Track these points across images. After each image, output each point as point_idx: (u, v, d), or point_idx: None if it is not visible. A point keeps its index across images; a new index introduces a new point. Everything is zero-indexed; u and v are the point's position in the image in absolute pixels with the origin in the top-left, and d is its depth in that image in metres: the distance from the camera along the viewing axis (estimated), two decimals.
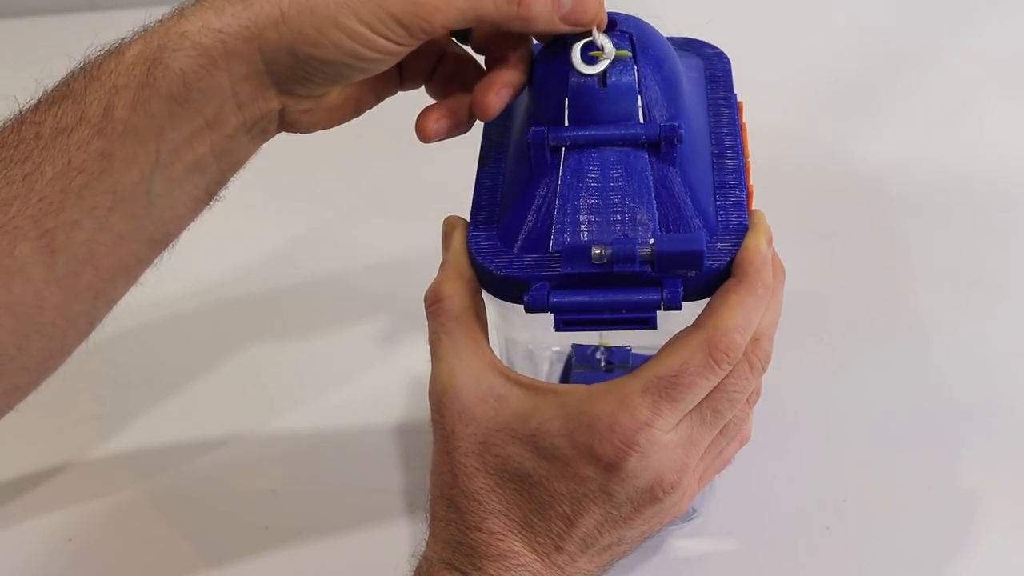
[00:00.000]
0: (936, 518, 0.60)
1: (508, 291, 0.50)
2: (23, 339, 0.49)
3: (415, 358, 0.68)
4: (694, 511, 0.60)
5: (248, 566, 0.62)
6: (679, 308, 0.48)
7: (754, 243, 0.49)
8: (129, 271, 0.51)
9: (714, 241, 0.50)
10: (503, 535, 0.49)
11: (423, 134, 0.52)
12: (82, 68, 0.49)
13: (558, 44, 0.51)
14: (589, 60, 0.50)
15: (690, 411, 0.49)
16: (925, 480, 0.62)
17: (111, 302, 0.52)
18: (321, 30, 0.46)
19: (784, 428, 0.64)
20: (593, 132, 0.50)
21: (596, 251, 0.48)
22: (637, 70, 0.50)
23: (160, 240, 0.51)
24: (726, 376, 0.49)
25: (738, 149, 0.53)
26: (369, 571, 0.57)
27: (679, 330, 0.49)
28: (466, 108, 0.52)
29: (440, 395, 0.51)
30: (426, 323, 0.52)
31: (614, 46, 0.49)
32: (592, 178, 0.49)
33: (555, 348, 0.67)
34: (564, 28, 0.49)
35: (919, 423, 0.64)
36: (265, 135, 0.51)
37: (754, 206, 0.52)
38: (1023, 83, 0.87)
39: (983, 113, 0.83)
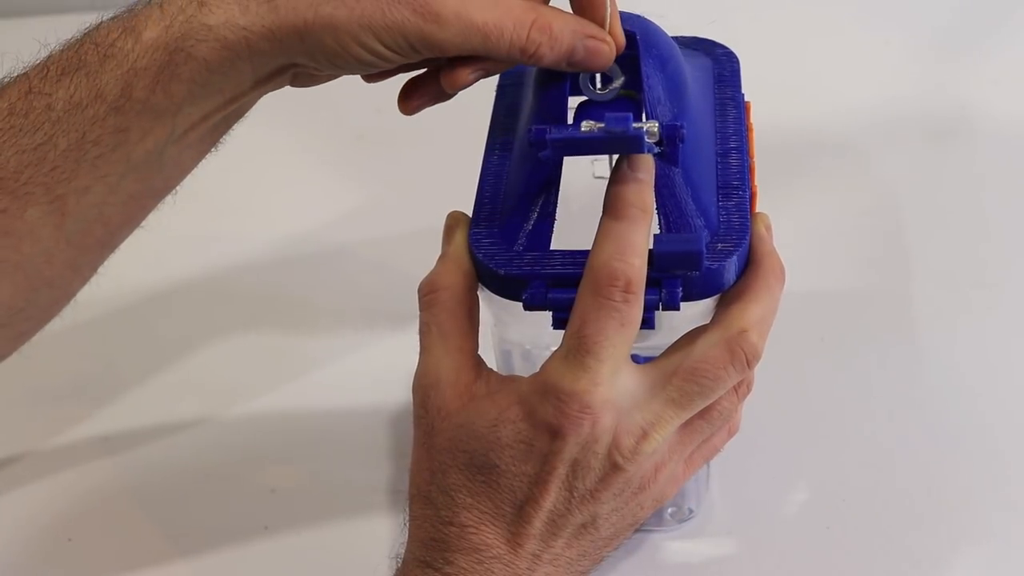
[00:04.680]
0: (936, 518, 0.60)
1: (507, 288, 0.50)
2: (32, 292, 0.52)
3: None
4: (691, 511, 0.60)
5: (248, 566, 0.62)
6: (678, 308, 0.48)
7: (756, 231, 0.50)
8: (135, 221, 0.54)
9: (715, 242, 0.49)
10: (475, 528, 0.49)
11: (405, 110, 0.54)
12: (91, 39, 0.50)
13: None
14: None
15: (655, 385, 0.49)
16: (925, 480, 0.62)
17: (115, 247, 0.55)
18: (340, 43, 0.48)
19: (784, 428, 0.64)
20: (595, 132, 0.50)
21: None
22: (641, 70, 0.50)
23: (166, 192, 0.54)
24: (699, 360, 0.49)
25: (743, 149, 0.53)
26: (370, 571, 0.57)
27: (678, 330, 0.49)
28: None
29: (427, 388, 0.50)
30: None
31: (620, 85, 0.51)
32: None
33: (553, 348, 0.66)
34: (569, 69, 0.51)
35: (919, 423, 0.64)
36: (275, 89, 0.53)
37: (759, 205, 0.52)
38: None
39: (991, 114, 0.83)
